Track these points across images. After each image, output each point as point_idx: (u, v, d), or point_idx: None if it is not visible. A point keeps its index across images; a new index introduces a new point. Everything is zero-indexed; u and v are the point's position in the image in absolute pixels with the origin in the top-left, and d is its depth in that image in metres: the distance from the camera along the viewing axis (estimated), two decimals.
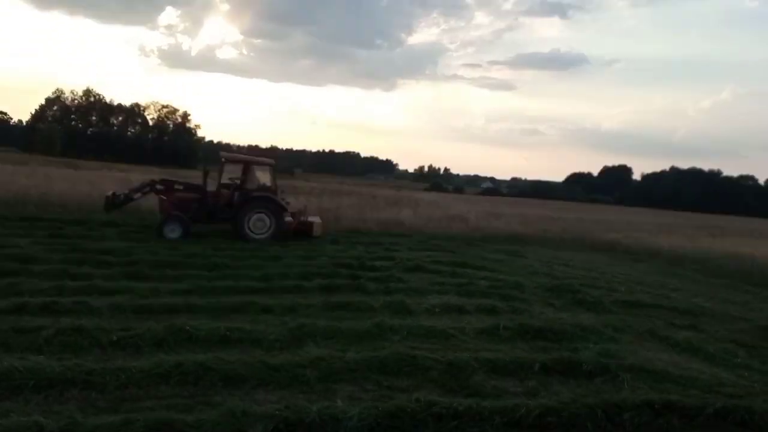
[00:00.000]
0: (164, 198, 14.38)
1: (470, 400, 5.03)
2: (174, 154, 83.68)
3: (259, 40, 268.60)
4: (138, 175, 32.72)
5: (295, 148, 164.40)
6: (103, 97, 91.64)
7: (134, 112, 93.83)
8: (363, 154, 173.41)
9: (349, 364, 5.79)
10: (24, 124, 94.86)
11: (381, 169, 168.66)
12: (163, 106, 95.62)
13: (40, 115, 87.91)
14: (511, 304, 9.30)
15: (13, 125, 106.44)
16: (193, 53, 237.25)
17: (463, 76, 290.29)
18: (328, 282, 9.85)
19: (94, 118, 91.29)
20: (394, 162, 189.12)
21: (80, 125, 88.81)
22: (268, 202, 14.51)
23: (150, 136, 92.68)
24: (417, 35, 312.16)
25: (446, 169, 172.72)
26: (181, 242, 13.08)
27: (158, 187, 14.49)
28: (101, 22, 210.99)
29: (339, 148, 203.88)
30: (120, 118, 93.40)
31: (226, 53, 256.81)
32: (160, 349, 5.96)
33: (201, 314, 7.39)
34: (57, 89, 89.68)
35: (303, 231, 15.57)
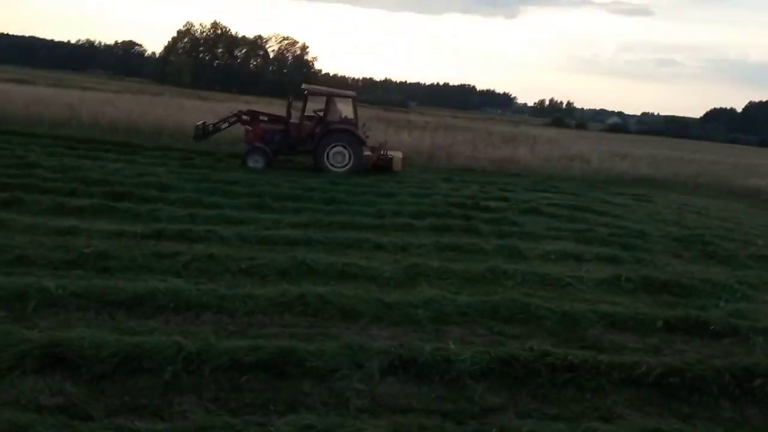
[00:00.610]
0: (249, 128, 14.77)
1: (586, 353, 4.90)
2: (293, 86, 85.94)
3: None
4: (261, 107, 34.09)
5: (409, 81, 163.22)
6: (229, 29, 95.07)
7: (256, 44, 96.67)
8: (479, 87, 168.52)
9: (461, 307, 5.81)
10: (157, 56, 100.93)
11: (498, 102, 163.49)
12: (284, 38, 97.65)
13: (171, 47, 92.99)
14: (634, 254, 8.83)
15: (147, 57, 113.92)
16: None
17: (594, 1, 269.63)
18: (441, 222, 9.86)
19: (220, 50, 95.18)
20: (512, 95, 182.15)
21: (207, 57, 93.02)
22: (348, 134, 14.51)
23: (270, 68, 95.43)
24: None
25: (569, 103, 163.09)
26: (301, 176, 13.60)
27: (244, 117, 14.94)
28: None
29: (454, 81, 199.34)
30: (243, 51, 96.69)
31: None
32: (283, 279, 6.31)
33: (319, 247, 7.71)
34: (187, 22, 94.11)
35: (383, 166, 15.50)
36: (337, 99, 15.24)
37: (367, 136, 15.44)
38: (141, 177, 11.11)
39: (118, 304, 5.11)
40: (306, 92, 15.33)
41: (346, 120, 14.81)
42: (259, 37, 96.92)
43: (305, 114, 15.07)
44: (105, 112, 19.92)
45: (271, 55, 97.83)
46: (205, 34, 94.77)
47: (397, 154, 16.34)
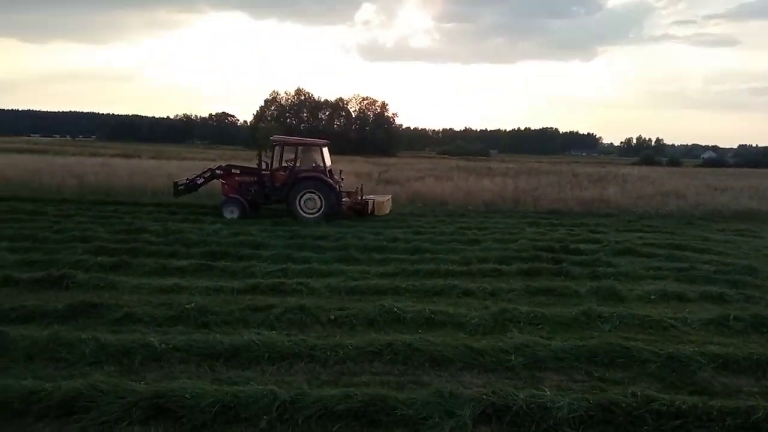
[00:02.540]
0: (224, 182, 15.44)
1: (695, 398, 4.56)
2: (375, 143, 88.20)
3: (449, 24, 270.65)
4: (343, 165, 35.18)
5: (489, 128, 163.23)
6: (311, 94, 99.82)
7: (338, 106, 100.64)
8: (562, 130, 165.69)
9: (556, 352, 5.60)
10: (248, 124, 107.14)
11: (582, 144, 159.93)
12: (363, 99, 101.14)
13: (260, 115, 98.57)
14: (743, 292, 8.22)
15: (239, 126, 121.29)
16: (389, 45, 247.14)
17: (675, 35, 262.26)
18: (529, 266, 9.64)
19: (304, 114, 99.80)
20: (597, 135, 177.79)
21: (294, 122, 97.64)
22: (317, 181, 14.75)
23: (353, 127, 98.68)
24: None
25: (658, 140, 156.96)
26: (385, 227, 13.79)
27: (218, 172, 15.63)
28: (307, 25, 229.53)
29: (535, 125, 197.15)
30: (327, 113, 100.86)
31: (419, 41, 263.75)
32: (371, 328, 6.37)
33: (406, 296, 7.74)
34: (273, 91, 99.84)
35: (359, 210, 15.61)
36: (304, 148, 15.68)
37: (342, 180, 15.89)
38: (236, 236, 11.68)
39: (216, 356, 5.34)
40: (274, 143, 15.92)
41: (315, 167, 15.14)
42: (340, 99, 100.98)
43: (281, 164, 15.57)
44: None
45: (353, 115, 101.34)
46: (290, 100, 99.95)
47: (381, 198, 16.47)
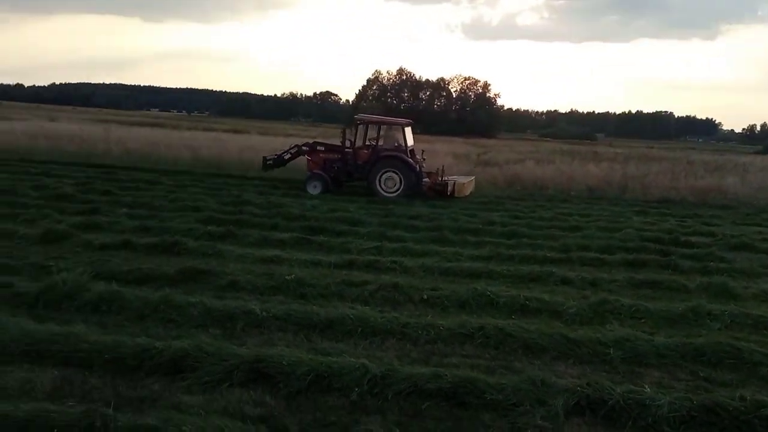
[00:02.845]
0: (309, 159, 15.94)
1: None
2: (476, 124, 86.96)
3: (560, 2, 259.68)
4: (441, 146, 34.98)
5: (597, 111, 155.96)
6: (413, 74, 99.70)
7: (439, 86, 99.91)
8: (677, 114, 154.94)
9: (659, 348, 5.32)
10: (350, 103, 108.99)
11: (699, 130, 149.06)
12: (465, 78, 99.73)
13: (362, 94, 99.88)
14: None
15: (342, 105, 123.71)
16: (494, 23, 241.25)
17: None
18: (634, 257, 9.19)
19: (405, 94, 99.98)
20: (716, 121, 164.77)
21: (394, 101, 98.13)
22: (398, 160, 14.92)
23: (453, 107, 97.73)
24: None
25: None
26: (480, 209, 13.64)
27: (304, 148, 16.18)
28: (413, 4, 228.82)
29: (648, 108, 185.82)
30: (427, 93, 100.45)
31: (526, 19, 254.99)
32: (463, 310, 6.34)
33: (500, 280, 7.62)
34: (376, 71, 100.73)
35: (439, 191, 15.45)
36: (387, 126, 15.96)
37: (424, 160, 16.06)
38: (334, 213, 11.99)
39: (312, 326, 5.53)
40: (358, 122, 16.30)
41: (397, 147, 15.30)
42: (442, 79, 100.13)
43: (365, 143, 15.75)
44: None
45: (454, 95, 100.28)
46: (391, 80, 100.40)
47: (463, 180, 16.24)
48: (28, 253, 7.70)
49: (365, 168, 15.31)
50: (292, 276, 6.93)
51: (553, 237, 10.69)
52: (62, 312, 5.61)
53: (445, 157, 25.22)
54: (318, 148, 16.26)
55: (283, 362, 4.47)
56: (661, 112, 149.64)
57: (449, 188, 15.43)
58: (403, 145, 15.44)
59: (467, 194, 16.07)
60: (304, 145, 16.63)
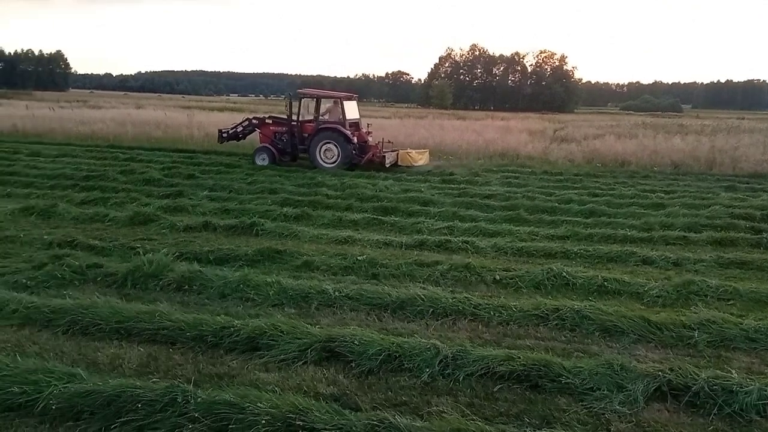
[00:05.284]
0: (260, 132, 16.80)
1: None
2: (551, 98, 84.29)
3: None
4: (515, 122, 34.13)
5: (683, 82, 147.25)
6: (486, 50, 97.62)
7: (513, 60, 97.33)
8: None
9: (748, 332, 5.02)
10: (422, 82, 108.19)
11: None
12: (541, 52, 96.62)
13: (434, 73, 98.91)
14: None
15: (414, 84, 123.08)
16: None
17: None
18: (722, 235, 8.67)
19: (478, 70, 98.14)
20: None
21: (467, 78, 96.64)
22: (335, 132, 15.46)
23: (528, 82, 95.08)
24: None
25: None
26: (558, 187, 13.24)
27: (254, 122, 17.13)
28: None
29: (739, 77, 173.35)
30: (501, 68, 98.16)
31: None
32: (537, 291, 6.22)
33: (577, 260, 7.41)
34: (448, 48, 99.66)
35: (379, 162, 15.68)
36: (327, 101, 16.62)
37: (369, 133, 16.76)
38: (406, 193, 11.99)
39: (384, 306, 5.58)
40: (300, 95, 16.91)
41: (337, 120, 15.74)
42: (516, 53, 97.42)
43: (315, 116, 16.37)
44: (376, 136, 22.00)
45: (529, 70, 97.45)
46: (464, 57, 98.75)
47: (412, 152, 16.74)
48: (117, 235, 8.18)
49: (307, 140, 16.00)
50: (364, 256, 7.00)
51: (634, 215, 10.24)
52: (148, 291, 5.94)
53: (520, 134, 24.66)
54: (266, 121, 17.07)
55: (355, 342, 4.54)
56: (754, 80, 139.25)
57: (388, 160, 15.75)
58: (343, 118, 15.88)
59: (416, 164, 16.39)
60: (254, 118, 17.61)
